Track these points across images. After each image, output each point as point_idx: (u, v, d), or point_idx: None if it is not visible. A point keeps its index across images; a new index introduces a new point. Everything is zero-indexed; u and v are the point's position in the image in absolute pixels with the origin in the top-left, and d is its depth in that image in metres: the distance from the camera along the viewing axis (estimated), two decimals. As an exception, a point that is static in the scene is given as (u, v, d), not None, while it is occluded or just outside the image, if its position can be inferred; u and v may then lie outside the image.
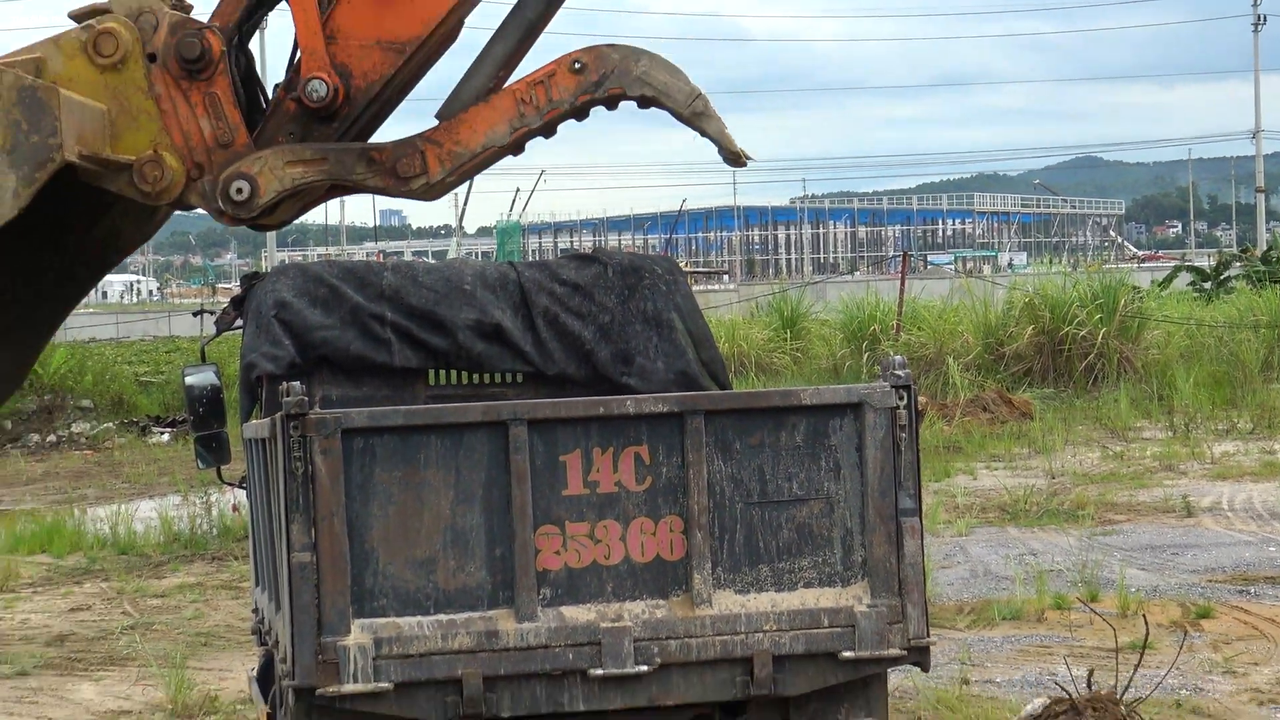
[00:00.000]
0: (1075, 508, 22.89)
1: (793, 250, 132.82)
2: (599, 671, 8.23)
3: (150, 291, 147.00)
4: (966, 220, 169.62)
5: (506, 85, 7.04)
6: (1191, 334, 40.12)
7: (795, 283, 49.32)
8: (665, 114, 7.87)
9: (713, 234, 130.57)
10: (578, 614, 8.30)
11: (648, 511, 8.35)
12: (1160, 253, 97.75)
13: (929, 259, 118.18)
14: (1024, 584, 17.48)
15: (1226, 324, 40.78)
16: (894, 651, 8.47)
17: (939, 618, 15.33)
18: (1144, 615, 13.80)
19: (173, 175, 6.94)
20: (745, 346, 40.53)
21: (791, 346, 40.80)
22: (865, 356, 37.28)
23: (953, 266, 75.76)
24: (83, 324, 54.04)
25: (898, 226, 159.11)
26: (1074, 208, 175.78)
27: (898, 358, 8.56)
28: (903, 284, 38.63)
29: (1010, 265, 74.83)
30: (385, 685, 8.18)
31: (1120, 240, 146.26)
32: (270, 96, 7.62)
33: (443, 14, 6.85)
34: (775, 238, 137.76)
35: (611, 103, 7.48)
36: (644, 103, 7.53)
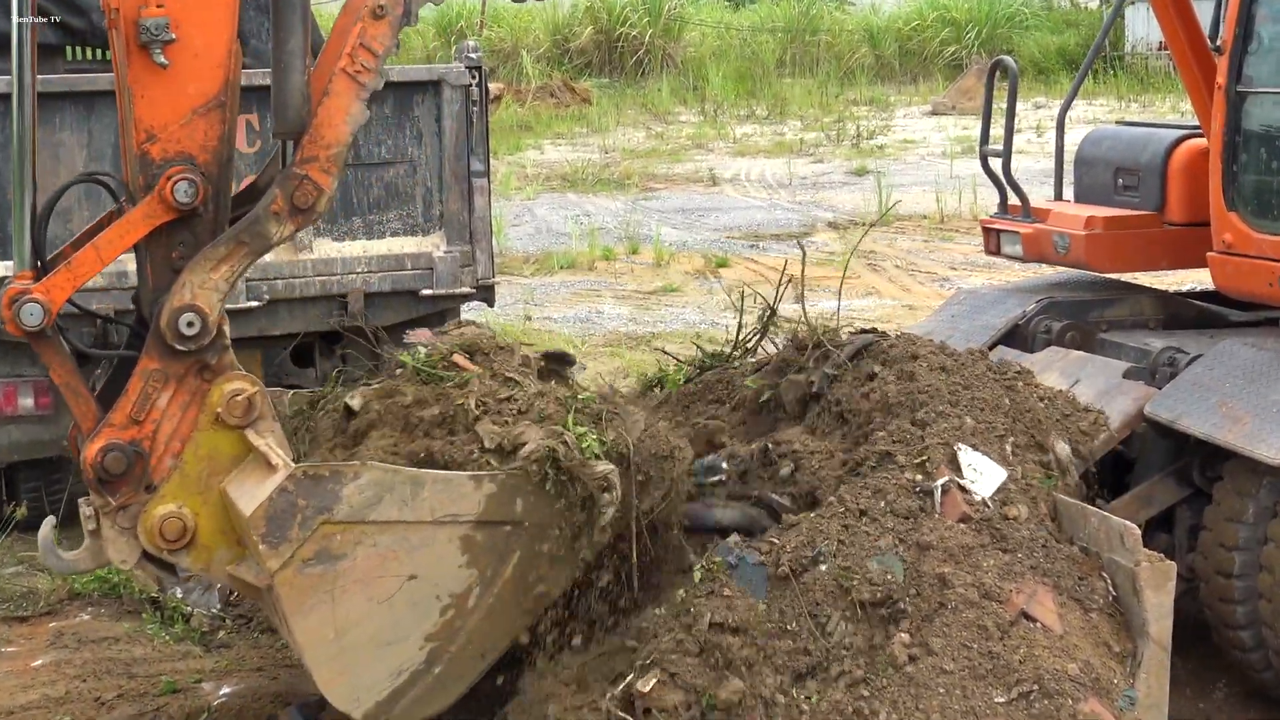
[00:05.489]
0: (623, 178, 23.19)
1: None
2: (215, 305, 8.10)
3: None
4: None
5: (323, 68, 5.85)
6: (722, 35, 40.53)
7: (395, -16, 48.16)
8: None
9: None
10: (197, 257, 8.14)
11: (258, 169, 8.17)
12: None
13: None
14: (579, 240, 17.72)
15: (750, 28, 41.30)
16: (465, 289, 8.56)
17: (508, 267, 15.46)
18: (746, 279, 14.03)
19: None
20: (351, 38, 39.54)
21: (391, 39, 40.02)
22: (453, 49, 36.84)
23: (529, -25, 75.00)
24: None
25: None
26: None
27: (470, 42, 8.52)
28: (485, -13, 38.10)
29: (577, -25, 74.33)
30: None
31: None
32: None
33: (227, 48, 5.67)
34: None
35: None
36: None
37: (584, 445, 5.67)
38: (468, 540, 5.70)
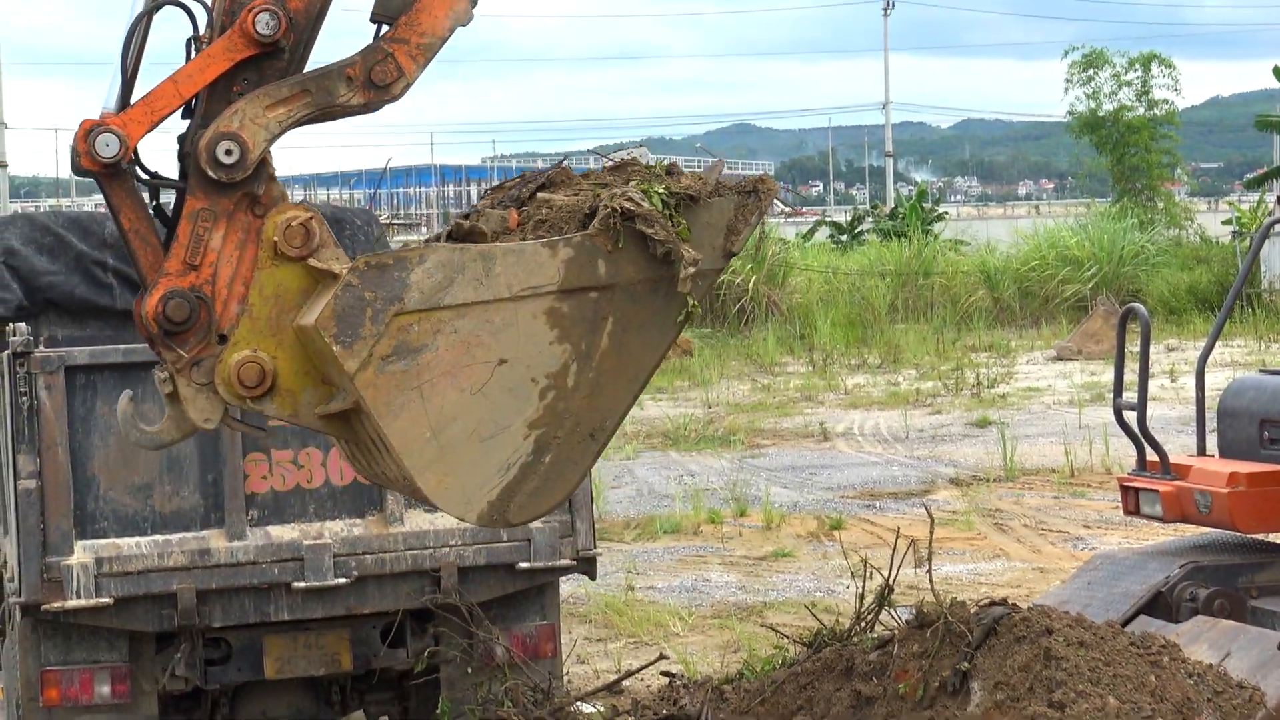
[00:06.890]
0: (728, 434, 23.27)
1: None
2: (301, 584, 8.21)
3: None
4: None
5: None
6: (829, 281, 40.97)
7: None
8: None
9: (413, 189, 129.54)
10: (283, 533, 8.27)
11: None
12: (804, 209, 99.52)
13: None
14: (683, 501, 17.73)
15: (859, 272, 41.72)
16: (564, 562, 8.56)
17: (608, 532, 15.48)
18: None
19: None
20: (439, 290, 40.37)
21: (481, 291, 40.79)
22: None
23: (624, 220, 76.29)
24: None
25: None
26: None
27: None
28: (579, 236, 38.87)
29: (674, 219, 75.52)
30: (106, 600, 8.06)
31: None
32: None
33: None
34: (468, 192, 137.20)
35: None
36: None
37: (651, 195, 5.63)
38: (554, 313, 5.58)
